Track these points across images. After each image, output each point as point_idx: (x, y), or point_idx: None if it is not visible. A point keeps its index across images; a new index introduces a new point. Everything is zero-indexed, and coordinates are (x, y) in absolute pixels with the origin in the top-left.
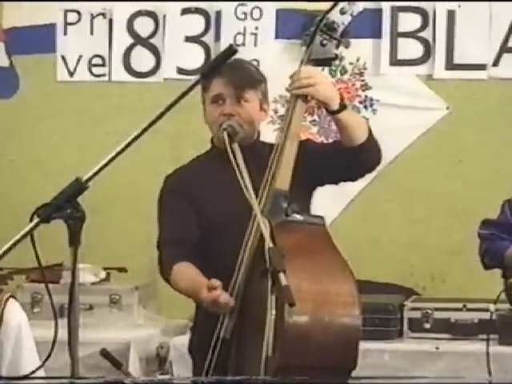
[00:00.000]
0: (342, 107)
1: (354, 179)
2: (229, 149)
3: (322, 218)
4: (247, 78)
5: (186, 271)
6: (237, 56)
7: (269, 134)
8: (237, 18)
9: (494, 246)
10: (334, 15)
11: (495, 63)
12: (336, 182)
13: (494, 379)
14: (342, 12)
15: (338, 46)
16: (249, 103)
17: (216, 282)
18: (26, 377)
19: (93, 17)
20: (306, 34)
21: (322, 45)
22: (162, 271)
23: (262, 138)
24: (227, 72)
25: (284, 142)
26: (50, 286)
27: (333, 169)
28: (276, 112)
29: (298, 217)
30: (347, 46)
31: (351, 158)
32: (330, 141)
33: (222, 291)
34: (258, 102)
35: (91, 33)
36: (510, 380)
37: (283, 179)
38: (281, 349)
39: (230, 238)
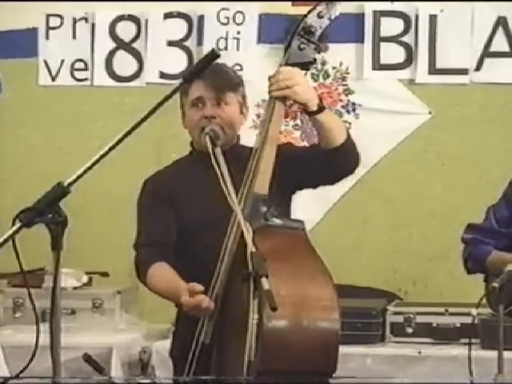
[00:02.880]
0: (321, 108)
1: (331, 183)
2: (211, 153)
3: (301, 222)
4: (227, 81)
5: (163, 272)
6: (219, 60)
7: (251, 138)
8: (219, 22)
9: (477, 251)
10: (312, 19)
11: (477, 68)
12: (314, 187)
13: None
14: (320, 16)
15: (317, 51)
16: (229, 106)
17: (198, 287)
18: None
19: (75, 21)
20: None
21: (300, 49)
22: (138, 272)
23: (245, 143)
24: (207, 75)
25: (262, 146)
26: (32, 290)
27: (310, 172)
28: (259, 117)
29: (277, 221)
30: (325, 50)
31: (328, 160)
32: None
33: (204, 296)
34: (237, 104)
35: (73, 37)
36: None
37: (262, 183)
38: (261, 353)
39: (209, 241)
